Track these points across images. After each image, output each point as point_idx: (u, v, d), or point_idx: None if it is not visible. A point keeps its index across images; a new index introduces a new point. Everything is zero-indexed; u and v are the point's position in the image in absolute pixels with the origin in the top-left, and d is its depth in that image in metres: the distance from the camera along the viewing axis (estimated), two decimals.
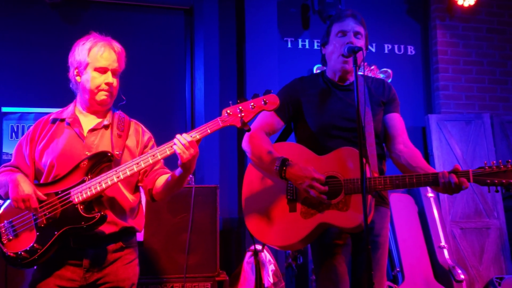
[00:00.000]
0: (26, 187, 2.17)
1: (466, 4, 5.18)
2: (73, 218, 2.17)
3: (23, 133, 4.23)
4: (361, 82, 2.48)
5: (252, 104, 2.10)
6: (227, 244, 4.56)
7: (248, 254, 3.88)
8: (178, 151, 2.13)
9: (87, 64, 2.30)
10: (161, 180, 2.37)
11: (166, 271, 3.51)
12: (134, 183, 2.41)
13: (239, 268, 3.94)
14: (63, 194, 2.20)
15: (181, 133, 2.17)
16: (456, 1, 5.17)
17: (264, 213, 2.45)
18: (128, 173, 2.18)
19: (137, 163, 2.19)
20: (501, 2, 5.51)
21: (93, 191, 2.17)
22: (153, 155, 2.20)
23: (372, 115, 2.48)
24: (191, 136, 2.14)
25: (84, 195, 2.17)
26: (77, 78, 2.35)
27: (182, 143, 2.13)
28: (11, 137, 4.25)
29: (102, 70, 2.30)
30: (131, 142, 2.40)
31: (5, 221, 2.26)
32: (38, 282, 2.24)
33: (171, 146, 2.17)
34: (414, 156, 2.46)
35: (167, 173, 2.39)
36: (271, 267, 3.82)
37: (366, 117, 2.43)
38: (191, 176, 3.88)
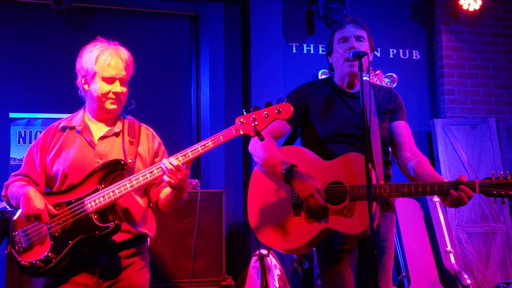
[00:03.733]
0: (37, 202, 2.16)
1: (471, 9, 5.17)
2: (87, 227, 2.17)
3: (30, 138, 4.26)
4: (368, 90, 2.49)
5: (265, 112, 2.08)
6: (233, 249, 4.57)
7: (254, 258, 3.88)
8: (166, 179, 2.12)
9: (94, 73, 2.28)
10: (165, 192, 2.37)
11: (172, 276, 3.52)
12: (144, 187, 2.40)
13: (245, 272, 3.94)
14: (77, 203, 2.20)
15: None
16: (461, 6, 5.17)
17: (269, 216, 2.45)
18: (142, 181, 2.17)
19: (151, 172, 2.18)
20: (506, 6, 5.50)
21: (107, 199, 2.17)
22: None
23: (379, 123, 2.49)
24: (180, 158, 2.12)
25: (98, 204, 2.17)
26: (85, 86, 2.33)
27: (167, 168, 2.10)
28: (19, 142, 4.28)
29: (110, 80, 2.28)
30: (142, 148, 2.39)
31: (19, 230, 2.25)
32: None
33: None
34: (422, 163, 2.45)
35: None
36: (276, 272, 3.82)
37: (372, 125, 2.44)
38: (196, 180, 3.91)
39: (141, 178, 2.17)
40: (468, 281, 4.16)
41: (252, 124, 2.08)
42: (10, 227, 2.29)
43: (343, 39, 2.51)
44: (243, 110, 2.12)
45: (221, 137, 2.12)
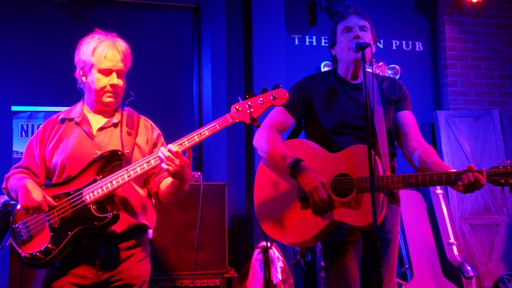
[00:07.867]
0: (35, 194, 2.17)
1: (474, 0, 5.14)
2: (86, 218, 2.18)
3: (32, 132, 4.25)
4: (372, 81, 2.48)
5: (261, 99, 2.07)
6: (236, 241, 4.57)
7: (257, 251, 3.89)
8: (164, 167, 2.11)
9: (91, 65, 2.28)
10: (165, 183, 2.37)
11: (175, 268, 3.53)
12: (144, 178, 2.41)
13: (248, 265, 3.95)
14: (75, 194, 2.20)
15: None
16: None
17: (276, 210, 2.45)
18: (139, 171, 2.17)
19: (148, 162, 2.18)
20: None
21: (105, 190, 2.17)
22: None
23: (384, 114, 2.47)
24: (176, 146, 2.12)
25: (96, 195, 2.18)
26: (83, 78, 2.34)
27: (165, 155, 2.10)
28: (21, 136, 4.28)
29: (107, 72, 2.28)
30: (140, 139, 2.39)
31: (19, 222, 2.27)
32: (52, 280, 2.25)
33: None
34: (428, 153, 2.44)
35: None
36: (279, 264, 3.82)
37: (377, 116, 2.43)
38: (199, 173, 3.91)
39: (138, 168, 2.18)
40: (471, 273, 4.16)
41: (248, 111, 2.07)
42: (11, 220, 2.30)
43: (346, 29, 2.49)
44: (239, 98, 2.11)
45: (217, 125, 2.11)
